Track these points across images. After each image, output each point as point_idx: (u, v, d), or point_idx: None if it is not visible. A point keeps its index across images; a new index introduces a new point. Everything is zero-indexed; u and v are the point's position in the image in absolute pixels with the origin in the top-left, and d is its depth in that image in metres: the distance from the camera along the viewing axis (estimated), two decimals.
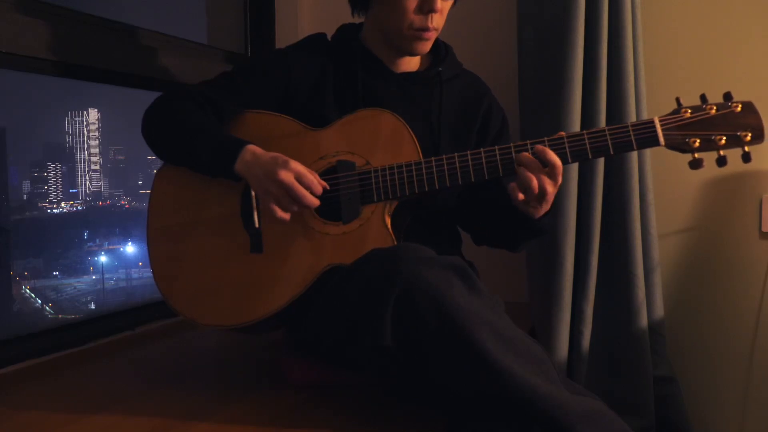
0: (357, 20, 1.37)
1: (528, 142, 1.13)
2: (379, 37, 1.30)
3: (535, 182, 1.09)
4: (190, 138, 1.19)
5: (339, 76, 1.30)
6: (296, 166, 1.12)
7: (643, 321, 1.61)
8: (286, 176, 1.11)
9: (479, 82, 1.41)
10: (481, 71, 1.45)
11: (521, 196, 1.11)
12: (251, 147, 1.16)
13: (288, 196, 1.12)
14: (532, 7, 1.67)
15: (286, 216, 1.14)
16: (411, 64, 1.34)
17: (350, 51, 1.31)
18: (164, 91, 1.30)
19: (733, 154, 1.09)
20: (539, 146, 1.10)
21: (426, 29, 1.22)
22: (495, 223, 1.31)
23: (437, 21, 1.23)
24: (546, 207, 1.15)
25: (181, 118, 1.21)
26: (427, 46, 1.27)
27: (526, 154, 1.10)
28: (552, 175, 1.09)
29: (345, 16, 1.39)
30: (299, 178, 1.12)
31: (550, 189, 1.10)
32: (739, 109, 1.07)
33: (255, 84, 1.28)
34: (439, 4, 1.20)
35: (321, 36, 1.36)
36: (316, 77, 1.29)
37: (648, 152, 1.63)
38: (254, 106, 1.27)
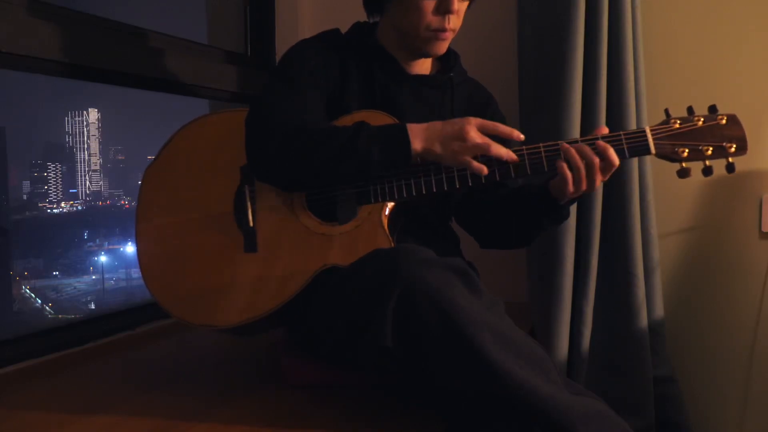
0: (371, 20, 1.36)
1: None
2: (395, 38, 1.29)
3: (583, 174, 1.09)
4: (347, 145, 1.10)
5: (359, 75, 1.29)
6: (474, 119, 1.10)
7: (643, 321, 1.61)
8: (476, 133, 1.08)
9: (484, 89, 1.43)
10: (481, 71, 1.45)
11: (570, 184, 1.10)
12: (410, 125, 1.11)
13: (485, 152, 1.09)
14: (532, 7, 1.67)
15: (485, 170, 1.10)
16: (423, 66, 1.34)
17: (367, 50, 1.30)
18: (252, 128, 1.17)
19: (717, 164, 1.11)
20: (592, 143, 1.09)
21: (443, 30, 1.22)
22: (511, 218, 1.28)
23: (454, 22, 1.23)
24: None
25: (319, 138, 1.13)
26: (443, 47, 1.26)
27: (586, 148, 1.09)
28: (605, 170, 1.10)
29: (345, 16, 1.38)
30: (483, 129, 1.09)
31: (598, 182, 1.11)
32: (724, 121, 1.11)
33: (311, 91, 1.23)
34: (456, 5, 1.20)
35: (337, 32, 1.34)
36: (340, 76, 1.27)
37: None
38: (316, 112, 1.22)
